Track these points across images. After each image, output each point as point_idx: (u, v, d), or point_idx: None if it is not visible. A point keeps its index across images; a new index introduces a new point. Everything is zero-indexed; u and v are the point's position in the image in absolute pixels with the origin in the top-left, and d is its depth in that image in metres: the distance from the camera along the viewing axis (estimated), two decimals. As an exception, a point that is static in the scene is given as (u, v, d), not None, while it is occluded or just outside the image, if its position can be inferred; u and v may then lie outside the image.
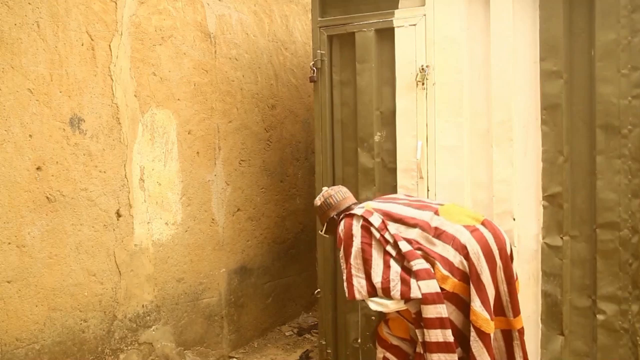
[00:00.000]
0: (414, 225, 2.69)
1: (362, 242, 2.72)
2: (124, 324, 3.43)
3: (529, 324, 3.23)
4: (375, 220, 2.72)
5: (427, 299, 2.55)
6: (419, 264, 2.59)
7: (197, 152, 3.92)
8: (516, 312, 2.68)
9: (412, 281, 2.57)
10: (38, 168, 2.96)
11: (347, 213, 2.83)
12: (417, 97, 3.42)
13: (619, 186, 3.00)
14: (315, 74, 3.71)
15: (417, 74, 3.40)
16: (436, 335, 2.56)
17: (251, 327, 4.49)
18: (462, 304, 2.61)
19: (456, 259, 2.59)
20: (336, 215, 2.92)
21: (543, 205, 3.18)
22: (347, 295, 2.76)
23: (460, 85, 3.33)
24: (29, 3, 2.90)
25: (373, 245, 2.71)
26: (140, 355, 3.54)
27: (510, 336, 2.69)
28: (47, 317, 3.00)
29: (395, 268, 2.63)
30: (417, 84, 3.41)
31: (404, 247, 2.63)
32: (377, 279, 2.66)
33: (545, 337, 3.21)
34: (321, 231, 3.04)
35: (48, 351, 3.00)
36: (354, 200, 2.99)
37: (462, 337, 2.64)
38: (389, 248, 2.66)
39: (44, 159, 2.98)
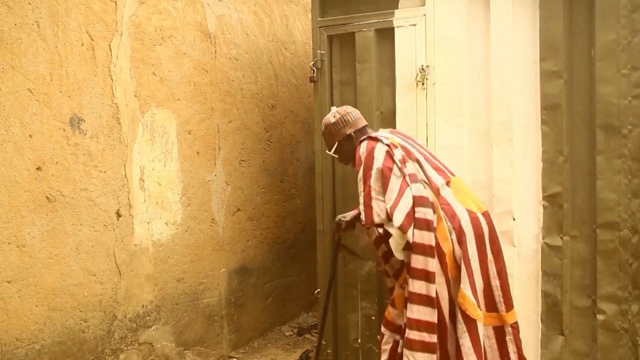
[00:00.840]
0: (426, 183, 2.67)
1: (383, 165, 2.63)
2: (124, 324, 3.43)
3: (529, 324, 3.23)
4: (398, 154, 2.66)
5: (417, 248, 2.51)
6: (422, 212, 2.53)
7: (197, 152, 3.92)
8: (509, 306, 2.65)
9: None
10: (38, 168, 2.96)
11: (371, 136, 2.76)
12: (417, 97, 3.42)
13: (619, 186, 3.00)
14: (315, 74, 3.71)
15: (417, 74, 3.40)
16: (420, 286, 2.52)
17: (251, 327, 4.49)
18: (447, 283, 2.57)
19: (451, 236, 2.58)
20: (353, 133, 2.85)
21: (543, 205, 3.18)
22: (364, 219, 2.65)
23: (460, 85, 3.33)
24: (29, 3, 2.90)
25: (393, 171, 2.63)
26: (140, 355, 3.54)
27: (502, 332, 2.65)
28: (47, 317, 3.00)
29: (407, 199, 2.56)
30: (417, 84, 3.41)
31: (416, 190, 2.57)
32: (388, 204, 2.59)
33: (545, 337, 3.21)
34: (329, 151, 2.90)
35: (48, 351, 3.00)
36: (366, 122, 2.95)
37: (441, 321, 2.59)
38: (407, 178, 2.61)
39: (44, 159, 2.98)
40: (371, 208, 2.62)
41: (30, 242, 2.92)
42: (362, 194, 2.66)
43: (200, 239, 3.97)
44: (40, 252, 2.96)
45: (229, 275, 4.24)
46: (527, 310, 3.22)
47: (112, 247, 3.34)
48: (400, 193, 2.58)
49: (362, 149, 2.71)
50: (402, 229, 2.53)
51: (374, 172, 2.64)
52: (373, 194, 2.63)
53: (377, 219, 2.61)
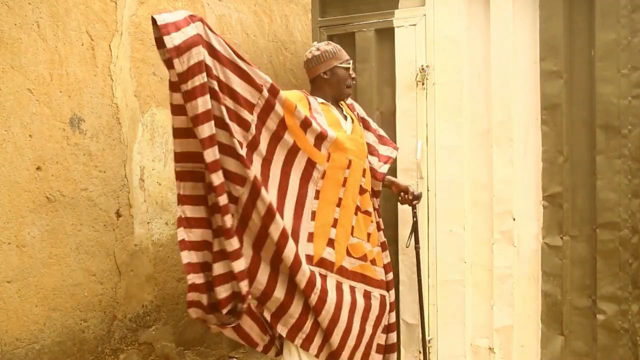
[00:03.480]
0: None
1: None
2: (124, 324, 3.43)
3: (529, 324, 3.23)
4: None
5: None
6: None
7: (197, 152, 3.92)
8: None
9: None
10: (38, 168, 2.96)
11: None
12: (417, 97, 3.42)
13: (619, 186, 3.00)
14: (315, 74, 3.69)
15: (417, 74, 3.40)
16: None
17: (251, 327, 4.48)
18: None
19: None
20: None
21: (543, 205, 3.18)
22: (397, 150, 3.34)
23: (460, 85, 3.33)
24: (29, 3, 2.90)
25: None
26: (140, 355, 3.54)
27: None
28: (47, 317, 3.00)
29: None
30: (417, 84, 3.41)
31: None
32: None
33: (545, 337, 3.20)
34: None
35: (48, 351, 3.00)
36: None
37: None
38: None
39: (44, 159, 2.98)
40: None
41: (30, 242, 2.92)
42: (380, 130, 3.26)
43: (200, 239, 3.96)
44: (40, 252, 2.96)
45: (229, 275, 4.23)
46: (527, 310, 3.22)
47: (112, 247, 3.34)
48: None
49: None
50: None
51: None
52: None
53: None
